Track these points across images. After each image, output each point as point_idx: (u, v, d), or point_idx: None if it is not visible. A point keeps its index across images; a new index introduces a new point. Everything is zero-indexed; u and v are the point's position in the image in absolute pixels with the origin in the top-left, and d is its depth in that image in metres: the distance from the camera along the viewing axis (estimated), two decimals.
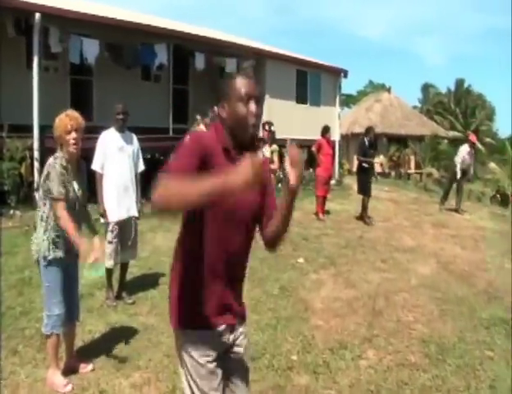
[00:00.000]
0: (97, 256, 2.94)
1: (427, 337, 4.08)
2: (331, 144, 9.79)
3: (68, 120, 3.04)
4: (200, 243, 1.82)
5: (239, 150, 1.82)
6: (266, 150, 6.25)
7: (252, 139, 1.86)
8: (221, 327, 1.90)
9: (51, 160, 3.06)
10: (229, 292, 1.90)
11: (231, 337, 1.95)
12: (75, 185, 3.13)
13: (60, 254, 3.07)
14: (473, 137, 11.46)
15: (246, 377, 2.06)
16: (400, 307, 4.79)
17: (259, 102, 1.83)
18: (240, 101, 1.78)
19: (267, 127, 8.79)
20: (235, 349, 1.99)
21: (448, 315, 4.62)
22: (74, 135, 3.03)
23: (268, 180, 1.98)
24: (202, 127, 9.54)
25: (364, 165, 9.21)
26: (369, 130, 9.49)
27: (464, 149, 10.93)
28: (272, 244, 1.93)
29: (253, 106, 1.79)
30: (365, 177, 9.28)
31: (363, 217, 9.22)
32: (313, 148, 9.74)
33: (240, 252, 1.92)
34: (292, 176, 1.70)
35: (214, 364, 1.88)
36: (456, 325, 4.38)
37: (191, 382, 1.89)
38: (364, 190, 9.27)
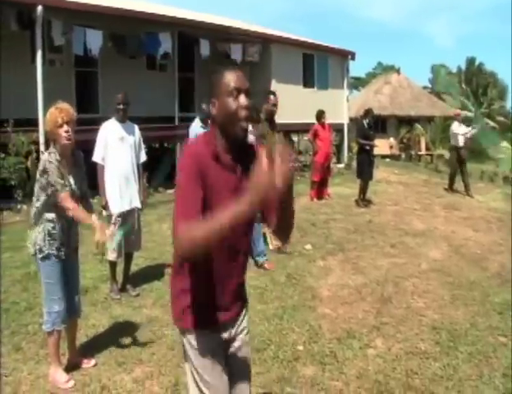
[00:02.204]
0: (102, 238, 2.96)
1: (437, 324, 3.97)
2: (328, 128, 9.68)
3: (58, 112, 2.93)
4: None
5: (232, 152, 1.78)
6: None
7: (245, 136, 1.79)
8: (225, 324, 1.90)
9: (46, 155, 2.99)
10: (232, 288, 1.90)
11: (233, 332, 1.96)
12: (71, 180, 3.05)
13: (56, 246, 3.02)
14: (455, 111, 11.41)
15: (247, 373, 2.06)
16: (410, 293, 4.68)
17: (249, 94, 1.78)
18: (229, 96, 1.74)
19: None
20: (236, 343, 1.99)
21: (460, 300, 4.49)
22: (65, 127, 2.93)
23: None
24: None
25: (366, 147, 9.08)
26: (368, 112, 9.38)
27: (454, 127, 10.73)
28: (280, 237, 1.97)
29: (243, 99, 1.75)
30: (366, 160, 9.13)
31: (357, 200, 9.12)
32: (309, 136, 9.68)
33: (243, 247, 1.90)
34: (280, 176, 1.56)
35: (218, 356, 1.89)
36: (468, 310, 4.26)
37: (196, 376, 1.89)
38: (364, 173, 9.14)
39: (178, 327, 1.95)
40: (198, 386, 1.90)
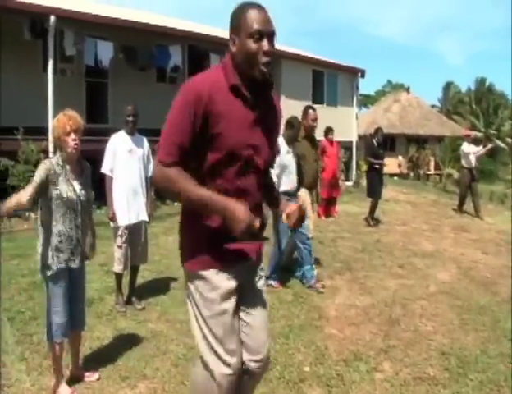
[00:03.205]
0: None
1: (447, 349, 3.89)
2: (335, 144, 9.66)
3: (67, 120, 2.91)
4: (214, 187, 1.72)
5: (250, 88, 1.71)
6: None
7: (264, 79, 1.72)
8: (238, 262, 1.81)
9: (47, 161, 2.96)
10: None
11: (249, 273, 1.87)
12: (77, 186, 3.00)
13: (64, 258, 2.96)
14: (465, 131, 11.28)
15: (264, 308, 1.97)
16: (418, 316, 4.60)
17: (272, 39, 1.68)
18: (251, 37, 1.64)
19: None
20: (253, 284, 1.91)
21: (469, 325, 4.41)
22: (73, 136, 2.91)
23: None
24: None
25: (376, 166, 9.06)
26: (377, 130, 9.38)
27: (465, 147, 10.68)
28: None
29: (265, 43, 1.65)
30: (376, 178, 9.09)
31: (367, 218, 9.06)
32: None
33: (258, 161, 1.78)
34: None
35: (231, 306, 1.80)
36: (478, 336, 4.17)
37: (201, 322, 1.80)
38: (375, 192, 9.09)
39: (186, 269, 1.86)
40: (205, 338, 1.80)
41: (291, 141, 5.17)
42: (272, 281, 5.21)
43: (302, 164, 5.32)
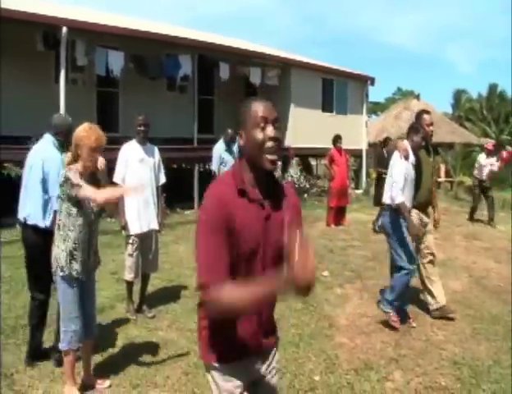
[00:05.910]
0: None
1: (458, 359, 3.85)
2: (344, 153, 9.63)
3: (94, 136, 3.00)
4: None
5: (260, 185, 1.75)
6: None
7: (273, 168, 1.74)
8: (251, 359, 1.83)
9: (65, 170, 3.03)
10: (259, 319, 1.81)
11: (261, 369, 1.87)
12: None
13: (77, 266, 3.03)
14: (488, 145, 11.11)
15: None
16: (430, 324, 4.56)
17: (276, 124, 1.74)
18: (256, 126, 1.70)
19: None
20: (264, 383, 1.89)
21: (481, 335, 4.36)
22: (96, 153, 3.02)
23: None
24: None
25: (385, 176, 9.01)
26: (387, 140, 9.33)
27: (482, 159, 10.57)
28: None
29: (270, 129, 1.70)
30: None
31: (374, 222, 8.99)
32: (326, 161, 9.65)
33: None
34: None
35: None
36: (491, 346, 4.13)
37: None
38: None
39: (203, 363, 1.90)
40: None
41: (417, 149, 4.49)
42: (389, 310, 4.41)
43: (417, 177, 4.55)
